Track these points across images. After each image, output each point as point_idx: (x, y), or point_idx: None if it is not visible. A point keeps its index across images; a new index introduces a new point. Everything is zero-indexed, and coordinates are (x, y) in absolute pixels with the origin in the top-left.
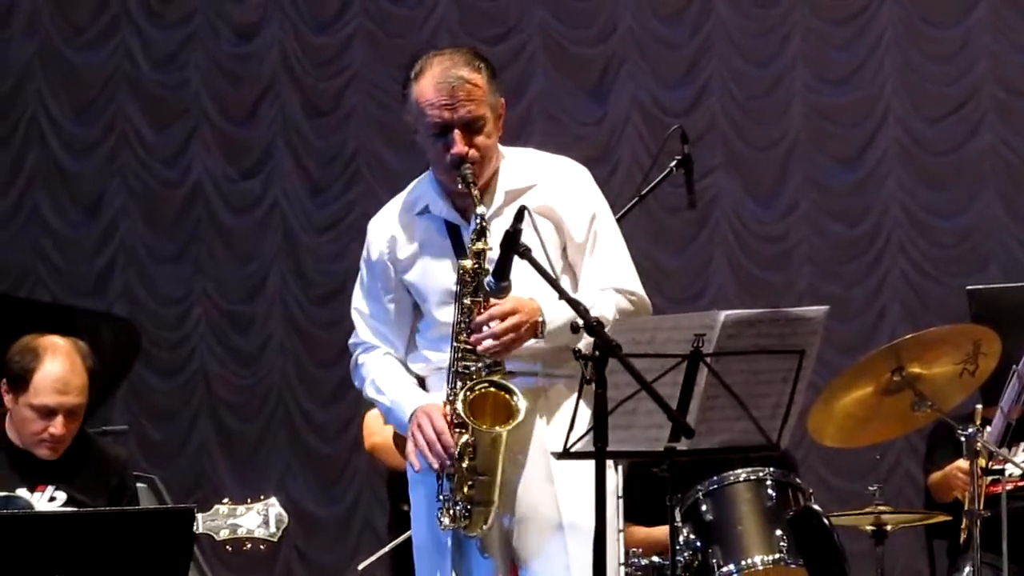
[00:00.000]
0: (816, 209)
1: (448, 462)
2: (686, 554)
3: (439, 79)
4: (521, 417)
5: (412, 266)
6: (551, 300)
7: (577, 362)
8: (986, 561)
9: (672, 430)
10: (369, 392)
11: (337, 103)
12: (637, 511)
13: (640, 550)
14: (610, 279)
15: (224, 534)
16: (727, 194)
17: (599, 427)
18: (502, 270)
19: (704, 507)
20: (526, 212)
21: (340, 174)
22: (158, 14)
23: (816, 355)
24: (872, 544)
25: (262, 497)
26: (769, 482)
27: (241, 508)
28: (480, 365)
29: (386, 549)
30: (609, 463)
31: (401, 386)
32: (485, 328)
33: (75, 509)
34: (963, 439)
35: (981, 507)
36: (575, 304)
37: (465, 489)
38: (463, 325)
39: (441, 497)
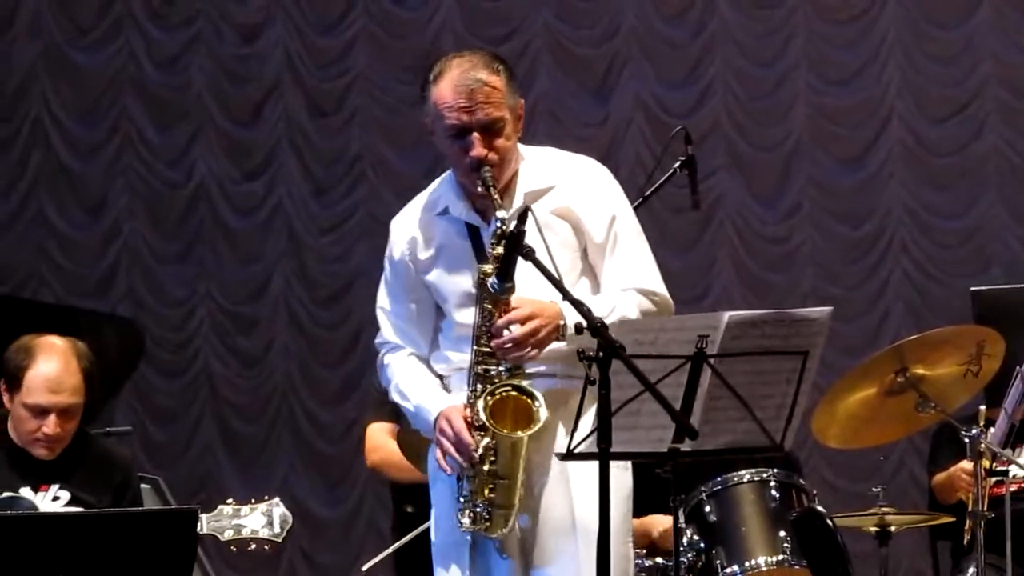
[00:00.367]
0: (819, 210)
1: (470, 464)
2: (690, 555)
3: (457, 81)
4: (541, 423)
5: (432, 267)
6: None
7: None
8: (990, 562)
9: (676, 431)
10: (394, 396)
11: (341, 104)
12: (639, 511)
13: (644, 551)
14: (632, 280)
15: (228, 535)
16: (731, 195)
17: (603, 428)
18: (506, 271)
19: (708, 508)
20: (529, 213)
21: (344, 175)
22: (162, 15)
23: (820, 356)
24: (876, 545)
25: (266, 497)
26: (773, 483)
27: (245, 508)
28: (501, 368)
29: (390, 550)
30: (625, 466)
31: (424, 389)
32: (505, 332)
33: (79, 510)
34: (967, 440)
35: (985, 508)
36: (579, 305)
37: (486, 492)
38: (483, 329)
39: (461, 498)
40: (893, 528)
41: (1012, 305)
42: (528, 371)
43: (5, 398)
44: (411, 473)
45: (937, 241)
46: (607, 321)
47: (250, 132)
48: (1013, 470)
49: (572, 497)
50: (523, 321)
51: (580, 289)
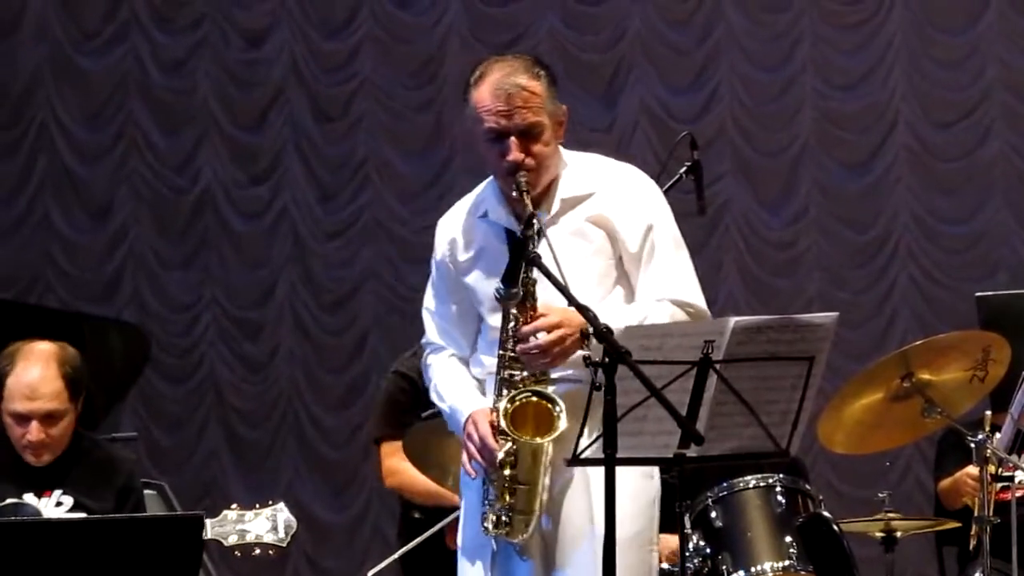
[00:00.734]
0: (825, 215)
1: (492, 467)
2: (696, 561)
3: (497, 85)
4: (562, 429)
5: (471, 269)
6: (600, 311)
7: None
8: (996, 568)
9: (682, 437)
10: (433, 397)
11: (346, 109)
12: None
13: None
14: (667, 290)
15: (233, 540)
16: (736, 200)
17: (609, 433)
18: (511, 276)
19: (714, 514)
20: (535, 219)
21: (349, 180)
22: (167, 20)
23: (825, 361)
24: (882, 551)
25: (271, 502)
26: (778, 489)
27: (250, 514)
28: (525, 373)
29: (395, 556)
30: (651, 473)
31: (460, 391)
32: (531, 339)
33: (84, 516)
34: (973, 446)
35: (991, 514)
36: (584, 310)
37: (506, 497)
38: (509, 333)
39: (486, 502)
40: (899, 533)
41: (1018, 311)
42: (553, 376)
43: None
44: (428, 497)
45: (943, 246)
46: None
47: (256, 137)
48: (1019, 475)
49: (592, 502)
50: (550, 329)
51: (614, 298)
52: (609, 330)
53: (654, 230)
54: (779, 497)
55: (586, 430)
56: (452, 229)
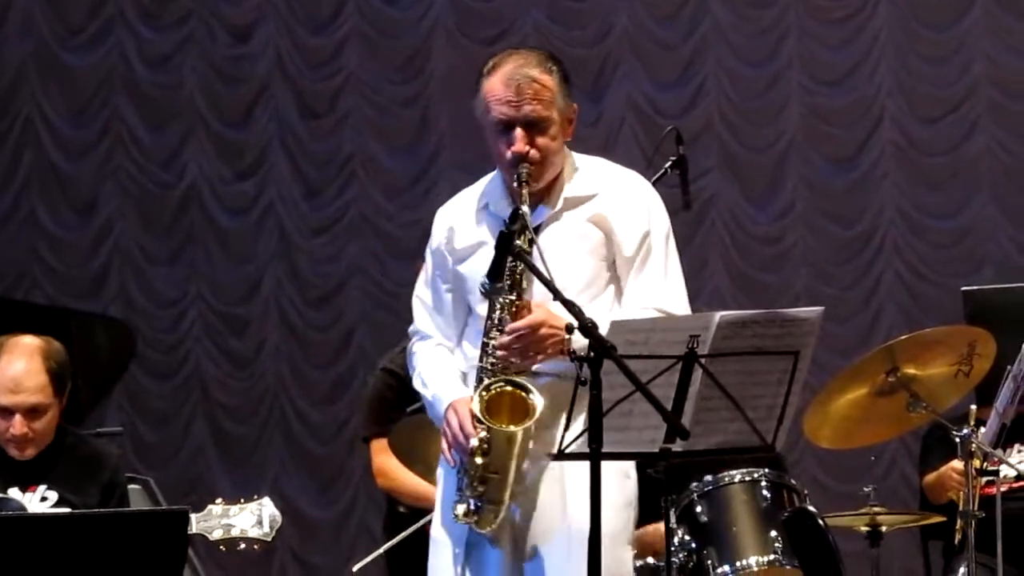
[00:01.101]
0: (811, 210)
1: (465, 457)
2: (681, 555)
3: (508, 76)
4: (537, 415)
5: (466, 258)
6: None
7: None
8: (981, 562)
9: (667, 431)
10: (416, 385)
11: (332, 105)
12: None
13: (635, 551)
14: (655, 299)
15: (218, 534)
16: (722, 195)
17: (594, 428)
18: (496, 271)
19: (699, 508)
20: (521, 215)
21: (335, 176)
22: (153, 16)
23: (811, 356)
24: (867, 545)
25: (255, 497)
26: (764, 483)
27: (234, 508)
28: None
29: (381, 550)
30: (628, 473)
31: (444, 380)
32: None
33: (69, 511)
34: (958, 440)
35: (976, 508)
36: (570, 305)
37: (477, 485)
38: (493, 322)
39: (458, 491)
40: (884, 528)
41: (1003, 305)
42: (535, 369)
43: None
44: (418, 499)
45: (929, 241)
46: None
47: (241, 132)
48: (1004, 470)
49: (566, 497)
50: (535, 327)
51: (604, 299)
52: (594, 324)
53: (651, 237)
54: (764, 491)
55: (571, 424)
56: (452, 218)
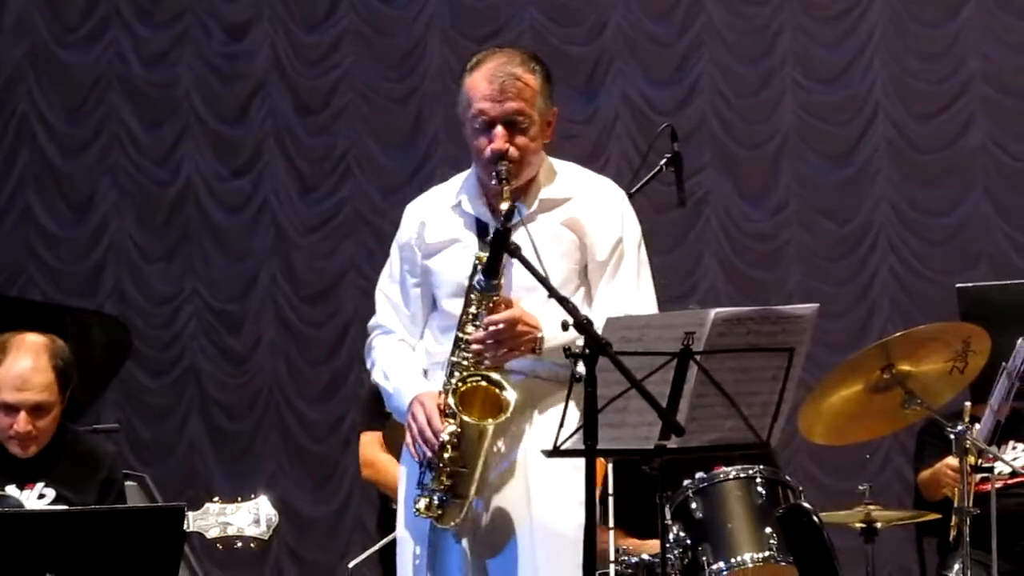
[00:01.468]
0: (806, 207)
1: (432, 452)
2: (676, 552)
3: (492, 73)
4: (509, 413)
5: (436, 253)
6: (553, 320)
7: (568, 361)
8: (976, 559)
9: (662, 428)
10: (377, 377)
11: (327, 102)
12: (628, 512)
13: (631, 547)
14: (624, 307)
15: (214, 533)
16: (717, 192)
17: (589, 425)
18: (492, 268)
19: (694, 505)
20: (516, 211)
21: (330, 173)
22: (148, 13)
23: (806, 353)
24: (862, 542)
25: (253, 496)
26: (759, 480)
27: (231, 507)
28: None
29: (376, 547)
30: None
31: (406, 374)
32: (488, 329)
33: (65, 507)
34: (952, 437)
35: (970, 505)
36: (564, 302)
37: (444, 479)
38: (469, 316)
39: (420, 485)
40: (879, 524)
41: (998, 302)
42: (506, 365)
43: None
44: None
45: (924, 238)
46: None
47: (237, 130)
48: (998, 467)
49: (530, 492)
50: (513, 323)
51: (574, 302)
52: (590, 321)
53: (623, 243)
54: (759, 488)
55: (566, 420)
56: (423, 213)
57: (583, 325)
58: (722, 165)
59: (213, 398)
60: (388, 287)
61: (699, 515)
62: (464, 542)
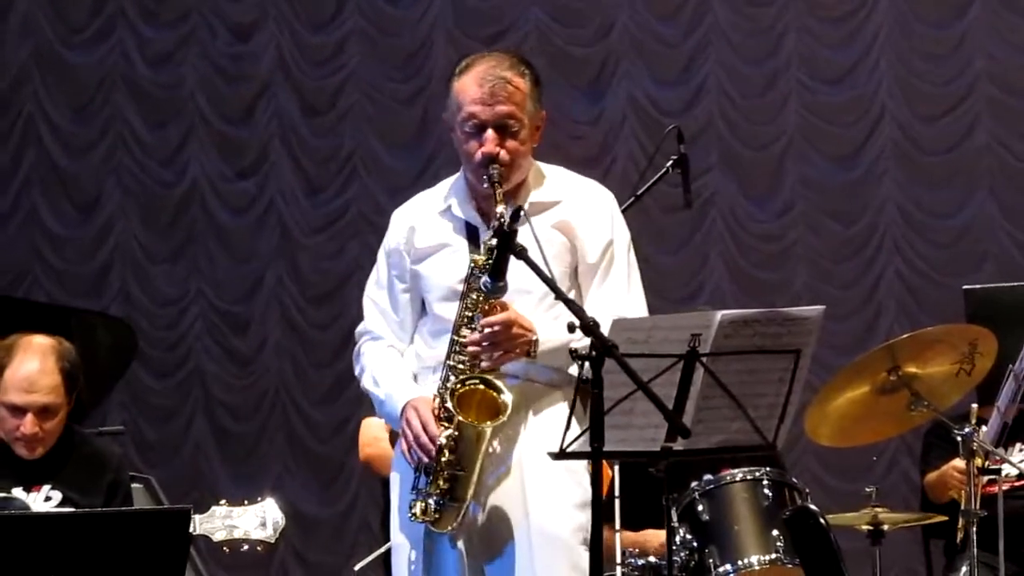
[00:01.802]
0: (812, 208)
1: (429, 457)
2: (683, 554)
3: (482, 76)
4: (507, 416)
5: (426, 258)
6: (546, 323)
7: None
8: (983, 561)
9: (669, 430)
10: (366, 383)
11: (333, 102)
12: (633, 513)
13: (636, 550)
14: (615, 310)
15: (221, 535)
16: (723, 193)
17: (595, 427)
18: (498, 270)
19: (700, 507)
20: (522, 213)
21: (336, 173)
22: (154, 14)
23: (812, 355)
24: (869, 544)
25: (259, 498)
26: (765, 482)
27: (238, 509)
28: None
29: (382, 549)
30: (579, 481)
31: (397, 379)
32: (486, 331)
33: (72, 510)
34: (959, 439)
35: (977, 507)
36: (570, 303)
37: (441, 483)
38: (464, 319)
39: (414, 490)
40: (886, 527)
41: (1005, 303)
42: (502, 369)
43: None
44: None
45: (929, 239)
46: (573, 346)
47: (242, 131)
48: (1005, 469)
49: (526, 495)
50: (508, 325)
51: (560, 308)
52: (596, 323)
53: (614, 246)
54: (766, 490)
55: (571, 423)
56: (412, 218)
57: (590, 327)
58: (728, 166)
59: (219, 399)
60: (376, 293)
61: (706, 517)
62: (460, 545)
